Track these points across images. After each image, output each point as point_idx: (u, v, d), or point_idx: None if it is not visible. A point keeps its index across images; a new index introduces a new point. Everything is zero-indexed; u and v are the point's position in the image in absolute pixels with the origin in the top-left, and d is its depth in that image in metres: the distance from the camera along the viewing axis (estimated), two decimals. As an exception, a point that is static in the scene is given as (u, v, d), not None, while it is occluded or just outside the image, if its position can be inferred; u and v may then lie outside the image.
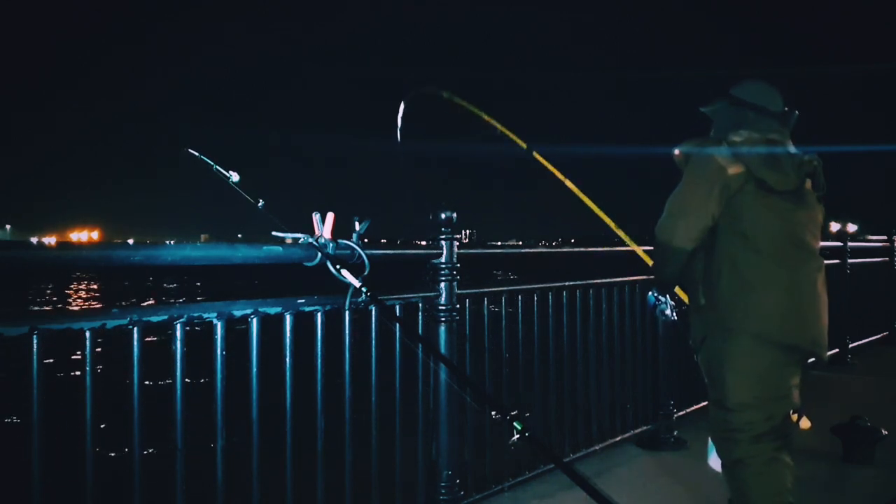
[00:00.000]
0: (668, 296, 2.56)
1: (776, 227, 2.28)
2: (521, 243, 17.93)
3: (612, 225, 2.97)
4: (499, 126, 3.01)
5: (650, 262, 2.62)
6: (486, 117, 3.02)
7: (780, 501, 2.24)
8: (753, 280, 2.26)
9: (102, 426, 1.92)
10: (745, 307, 2.26)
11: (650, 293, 2.62)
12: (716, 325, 2.32)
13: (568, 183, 2.78)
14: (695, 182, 2.32)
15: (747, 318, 2.25)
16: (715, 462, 2.55)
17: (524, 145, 2.94)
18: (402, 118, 2.81)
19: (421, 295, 2.83)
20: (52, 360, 1.91)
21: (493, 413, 2.01)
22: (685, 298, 2.56)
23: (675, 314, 2.57)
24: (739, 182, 2.26)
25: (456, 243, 2.87)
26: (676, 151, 2.46)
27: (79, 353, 1.87)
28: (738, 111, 2.44)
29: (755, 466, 2.24)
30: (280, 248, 2.24)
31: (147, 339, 2.00)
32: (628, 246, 3.07)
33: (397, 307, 2.74)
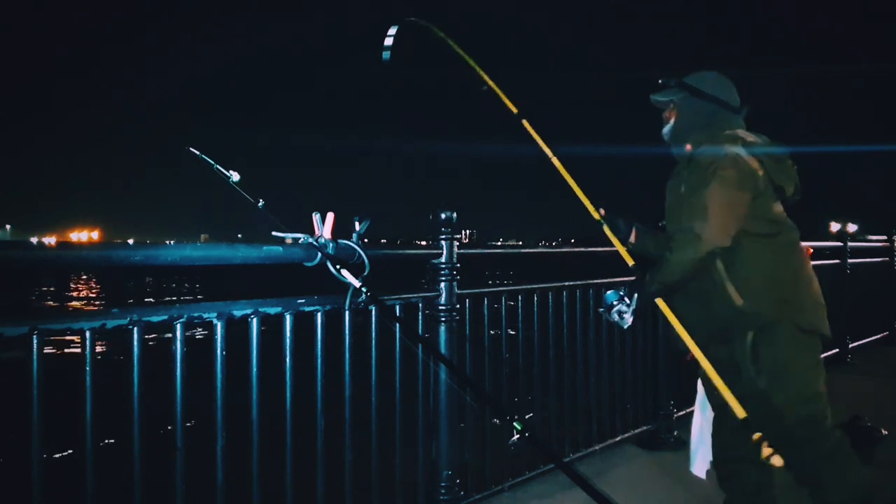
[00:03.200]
0: (633, 301, 2.41)
1: (790, 226, 2.37)
2: (521, 243, 17.90)
3: (595, 214, 2.69)
4: (489, 82, 2.68)
5: (631, 262, 2.49)
6: (477, 69, 2.68)
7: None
8: (789, 274, 2.32)
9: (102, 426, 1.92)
10: (789, 301, 2.29)
11: (612, 291, 2.46)
12: (757, 322, 2.28)
13: (555, 160, 2.57)
14: (729, 182, 2.25)
15: (795, 310, 2.29)
16: (698, 469, 2.53)
17: (515, 110, 2.64)
18: (392, 37, 2.54)
19: (421, 295, 2.83)
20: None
21: (495, 420, 1.98)
22: (668, 313, 2.38)
23: (631, 320, 2.43)
24: (765, 184, 2.29)
25: (456, 243, 2.88)
26: (688, 146, 2.43)
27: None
28: (705, 105, 2.42)
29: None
30: (280, 248, 2.24)
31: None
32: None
33: (397, 307, 2.74)
